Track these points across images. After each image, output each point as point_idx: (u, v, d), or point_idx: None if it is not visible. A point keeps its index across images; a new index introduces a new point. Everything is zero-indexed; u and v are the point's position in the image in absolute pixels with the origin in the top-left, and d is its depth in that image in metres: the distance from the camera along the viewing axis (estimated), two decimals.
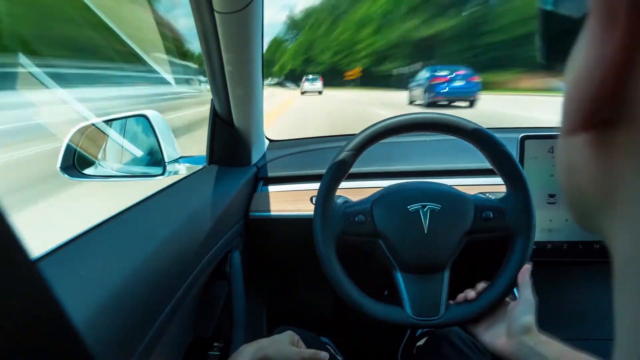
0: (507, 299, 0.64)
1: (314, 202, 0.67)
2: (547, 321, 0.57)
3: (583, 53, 0.16)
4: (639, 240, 0.15)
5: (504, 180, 0.65)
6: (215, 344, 0.70)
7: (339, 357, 0.77)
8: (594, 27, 0.14)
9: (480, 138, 0.63)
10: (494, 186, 0.89)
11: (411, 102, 12.18)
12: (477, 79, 10.93)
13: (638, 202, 0.15)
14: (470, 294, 0.65)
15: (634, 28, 0.13)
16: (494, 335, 0.60)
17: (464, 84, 10.73)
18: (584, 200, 0.19)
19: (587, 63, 0.15)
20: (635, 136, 0.15)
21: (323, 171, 0.68)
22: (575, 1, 0.18)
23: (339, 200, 0.71)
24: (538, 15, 0.20)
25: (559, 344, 0.52)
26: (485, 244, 0.67)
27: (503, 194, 0.66)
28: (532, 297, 0.59)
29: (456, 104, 11.05)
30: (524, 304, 0.58)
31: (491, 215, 0.65)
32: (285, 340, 0.56)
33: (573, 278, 0.79)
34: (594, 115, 0.16)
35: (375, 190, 0.72)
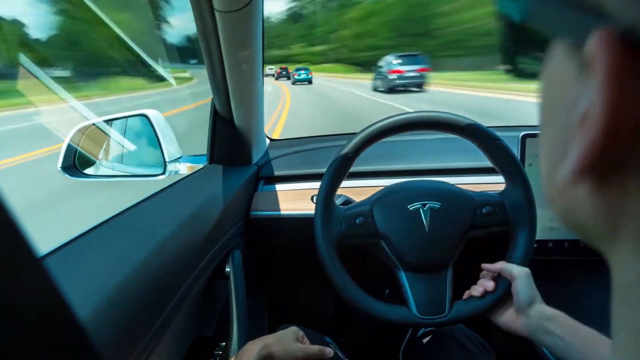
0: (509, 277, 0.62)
1: (314, 201, 0.67)
2: None
3: (571, 92, 0.15)
4: None
5: (502, 174, 0.65)
6: (222, 343, 0.70)
7: (341, 356, 0.77)
8: (603, 80, 0.13)
9: (476, 133, 0.63)
10: (495, 184, 0.89)
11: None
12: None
13: None
14: (489, 284, 0.63)
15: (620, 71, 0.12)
16: (507, 316, 0.59)
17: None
18: (585, 232, 0.18)
19: (600, 117, 0.13)
20: None
21: (324, 170, 0.68)
22: (550, 18, 0.16)
23: (340, 199, 0.71)
24: (502, 26, 0.19)
25: (567, 318, 0.52)
26: (488, 239, 0.67)
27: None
28: (524, 269, 0.58)
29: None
30: (519, 278, 0.58)
31: (491, 209, 0.64)
32: (290, 337, 0.56)
33: (574, 276, 0.79)
34: (598, 163, 0.14)
35: (376, 189, 0.72)
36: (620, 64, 0.12)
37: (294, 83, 22.57)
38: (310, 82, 22.79)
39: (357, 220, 0.66)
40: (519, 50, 0.20)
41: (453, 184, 0.70)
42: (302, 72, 23.28)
